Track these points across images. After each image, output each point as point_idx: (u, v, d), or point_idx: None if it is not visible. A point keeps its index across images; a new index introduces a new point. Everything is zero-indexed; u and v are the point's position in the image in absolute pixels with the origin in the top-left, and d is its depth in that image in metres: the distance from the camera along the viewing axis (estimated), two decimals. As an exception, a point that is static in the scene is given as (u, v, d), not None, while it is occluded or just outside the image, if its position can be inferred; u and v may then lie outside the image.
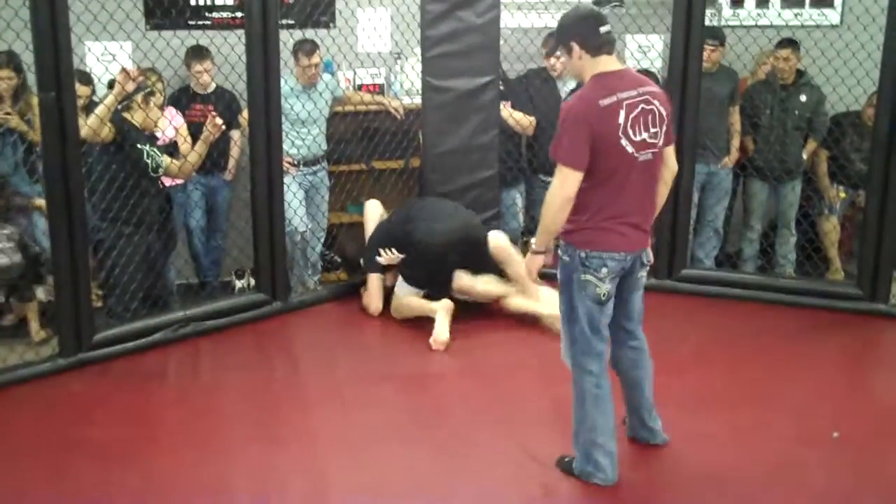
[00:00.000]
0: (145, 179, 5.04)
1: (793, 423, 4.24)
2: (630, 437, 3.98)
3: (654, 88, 3.61)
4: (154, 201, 5.17)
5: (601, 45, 3.53)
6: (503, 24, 5.98)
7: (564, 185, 3.46)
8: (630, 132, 3.47)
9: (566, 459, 3.81)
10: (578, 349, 3.66)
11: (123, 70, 4.86)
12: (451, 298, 5.31)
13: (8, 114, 5.19)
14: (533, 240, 3.71)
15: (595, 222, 3.54)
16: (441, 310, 5.17)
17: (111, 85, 5.06)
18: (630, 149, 3.48)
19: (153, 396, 4.56)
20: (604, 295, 3.58)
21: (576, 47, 3.54)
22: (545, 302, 5.19)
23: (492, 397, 4.54)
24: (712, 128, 6.08)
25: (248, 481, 3.79)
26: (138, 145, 4.98)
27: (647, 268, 3.77)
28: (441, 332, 5.08)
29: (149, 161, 5.01)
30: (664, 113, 3.58)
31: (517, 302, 5.33)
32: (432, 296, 5.37)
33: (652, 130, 3.53)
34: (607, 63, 3.55)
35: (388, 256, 5.43)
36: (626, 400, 3.91)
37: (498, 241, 5.52)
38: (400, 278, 5.47)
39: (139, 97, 5.00)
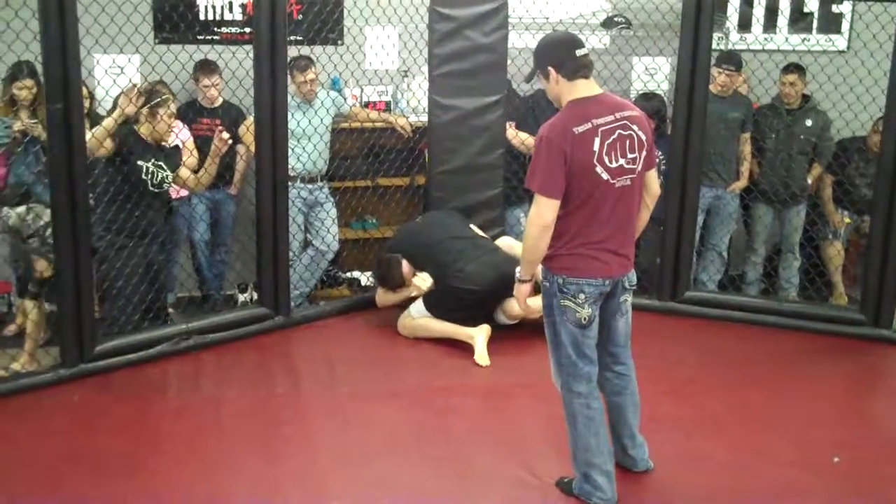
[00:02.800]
0: (147, 194, 5.05)
1: (793, 447, 4.23)
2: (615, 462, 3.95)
3: (634, 112, 3.58)
4: (157, 215, 5.18)
5: (577, 68, 3.51)
6: (511, 44, 6.01)
7: (541, 213, 3.45)
8: (605, 159, 3.44)
9: (566, 480, 3.80)
10: (565, 372, 3.66)
11: (124, 92, 4.86)
12: (490, 323, 5.33)
13: (33, 122, 5.21)
14: (518, 269, 3.73)
15: (572, 248, 3.52)
16: (480, 337, 5.17)
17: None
18: (606, 175, 3.45)
19: (154, 409, 4.55)
20: (585, 319, 3.57)
21: (552, 72, 3.53)
22: None
23: (494, 415, 4.54)
24: (722, 152, 6.10)
25: (247, 496, 3.78)
26: (139, 162, 4.97)
27: (631, 292, 3.73)
28: (481, 357, 5.10)
29: (148, 178, 5.00)
30: (643, 137, 3.55)
31: None
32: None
33: (630, 156, 3.50)
34: (584, 87, 3.54)
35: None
36: (609, 425, 3.84)
37: (502, 242, 5.70)
38: (420, 303, 5.44)
39: (145, 110, 5.01)
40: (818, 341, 5.50)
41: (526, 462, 4.02)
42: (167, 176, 5.12)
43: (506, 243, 5.70)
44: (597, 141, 3.43)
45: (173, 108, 5.20)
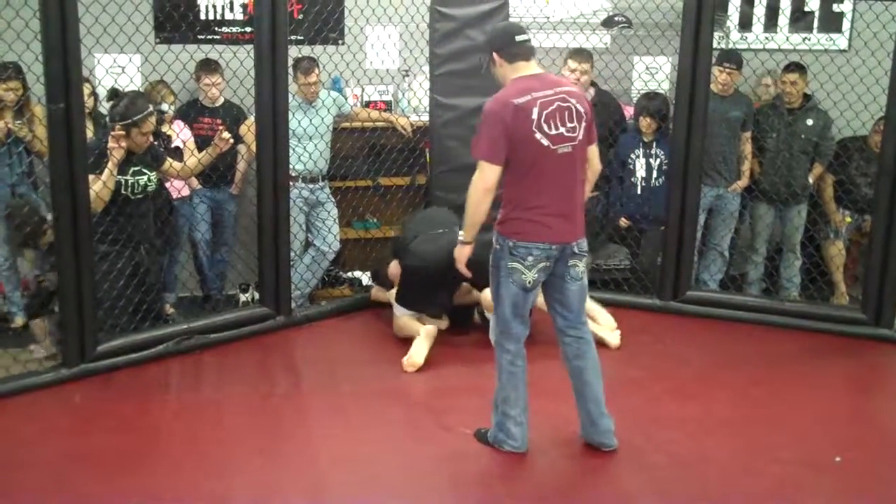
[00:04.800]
0: (132, 203, 4.99)
1: (795, 446, 4.23)
2: (583, 439, 4.10)
3: (572, 89, 3.93)
4: (145, 220, 5.11)
5: (517, 53, 3.87)
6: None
7: (483, 178, 3.76)
8: (545, 126, 3.75)
9: (482, 431, 4.14)
10: (500, 330, 3.97)
11: (112, 135, 4.81)
12: (456, 315, 5.37)
13: (19, 123, 5.21)
14: (461, 232, 3.95)
15: (520, 213, 3.82)
16: (423, 334, 5.18)
17: (111, 96, 5.02)
18: (545, 142, 3.75)
19: (155, 408, 4.56)
20: (529, 282, 3.84)
21: (496, 56, 3.90)
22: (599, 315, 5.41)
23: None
24: (723, 151, 6.09)
25: (248, 495, 3.78)
26: (117, 177, 4.90)
27: (582, 258, 3.93)
28: (415, 354, 5.08)
29: (128, 191, 4.95)
30: (582, 110, 3.86)
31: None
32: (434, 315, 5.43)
33: (569, 125, 3.81)
34: (524, 68, 3.88)
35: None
36: (574, 392, 4.06)
37: None
38: (394, 301, 5.48)
39: (117, 127, 4.84)
40: (819, 341, 5.50)
41: (524, 459, 4.02)
42: (150, 178, 5.05)
43: None
44: (535, 110, 3.75)
45: (154, 120, 5.04)
